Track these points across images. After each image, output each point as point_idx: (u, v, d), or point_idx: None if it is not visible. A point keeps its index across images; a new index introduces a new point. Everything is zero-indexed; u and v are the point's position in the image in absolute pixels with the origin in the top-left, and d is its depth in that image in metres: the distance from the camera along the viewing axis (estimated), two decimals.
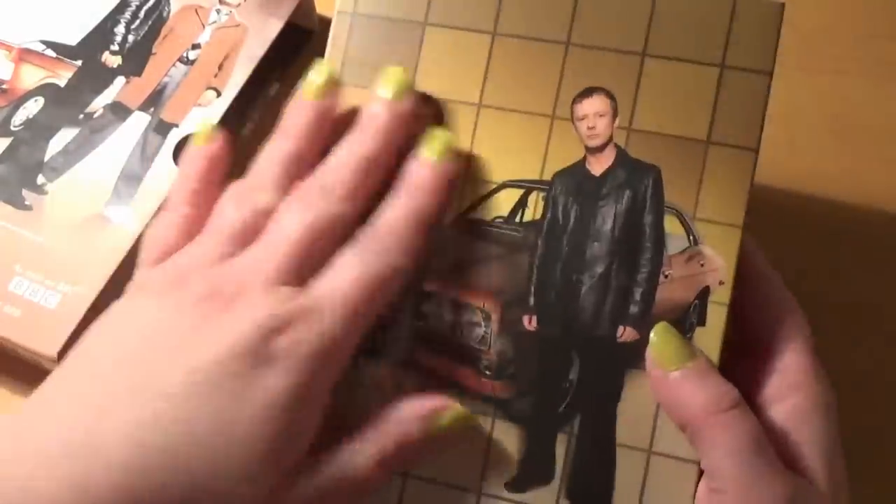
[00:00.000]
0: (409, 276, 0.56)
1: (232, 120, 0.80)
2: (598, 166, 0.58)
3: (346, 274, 0.54)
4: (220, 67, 0.81)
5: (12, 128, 0.79)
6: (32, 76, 0.81)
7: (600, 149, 0.58)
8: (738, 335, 0.57)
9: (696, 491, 0.55)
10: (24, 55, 0.82)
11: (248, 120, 0.83)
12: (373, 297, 0.54)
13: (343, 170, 0.56)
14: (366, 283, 0.53)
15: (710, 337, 0.56)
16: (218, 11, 0.84)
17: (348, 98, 0.61)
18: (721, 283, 0.56)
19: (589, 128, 0.58)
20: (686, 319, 0.57)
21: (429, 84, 0.60)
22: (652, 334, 0.55)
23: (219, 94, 0.80)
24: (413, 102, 0.58)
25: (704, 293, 0.57)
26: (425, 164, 0.57)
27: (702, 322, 0.56)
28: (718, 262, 0.57)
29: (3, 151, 0.78)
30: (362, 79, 0.61)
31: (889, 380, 0.72)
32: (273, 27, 0.83)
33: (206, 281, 0.53)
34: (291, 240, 0.54)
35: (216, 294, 0.53)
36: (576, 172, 0.58)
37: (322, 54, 0.61)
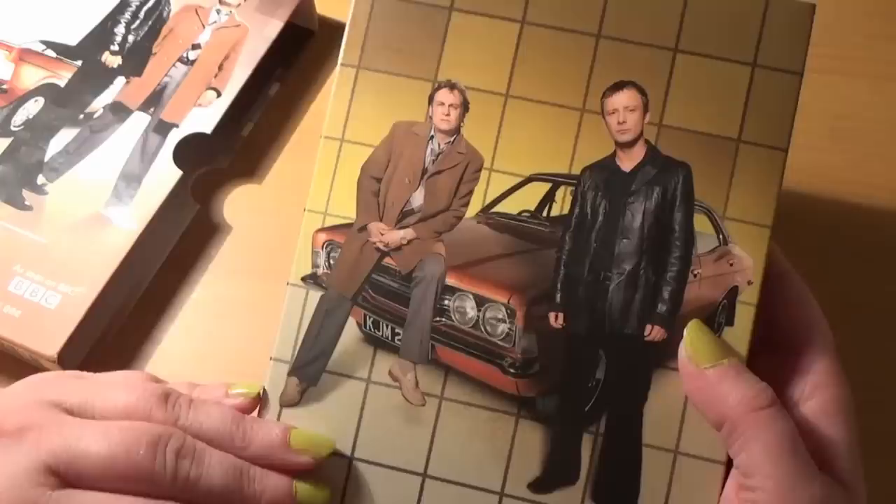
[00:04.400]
0: None
1: (232, 120, 0.80)
2: (628, 162, 0.57)
3: None
4: (220, 67, 0.81)
5: (12, 128, 0.78)
6: (32, 76, 0.80)
7: (630, 144, 0.57)
8: (759, 331, 0.57)
9: (721, 492, 0.55)
10: (24, 55, 0.81)
11: (248, 120, 0.83)
12: None
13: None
14: None
15: (739, 337, 0.56)
16: (218, 11, 0.83)
17: (366, 84, 0.60)
18: (750, 282, 0.56)
19: (619, 122, 0.57)
20: (714, 319, 0.56)
21: (453, 72, 0.60)
22: (686, 331, 0.54)
23: (219, 94, 0.79)
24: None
25: (733, 293, 0.56)
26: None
27: (730, 322, 0.56)
28: (747, 261, 0.56)
29: (3, 151, 0.77)
30: (381, 64, 0.60)
31: (890, 377, 0.73)
32: (273, 27, 0.82)
33: None
34: None
35: None
36: (605, 167, 0.58)
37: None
